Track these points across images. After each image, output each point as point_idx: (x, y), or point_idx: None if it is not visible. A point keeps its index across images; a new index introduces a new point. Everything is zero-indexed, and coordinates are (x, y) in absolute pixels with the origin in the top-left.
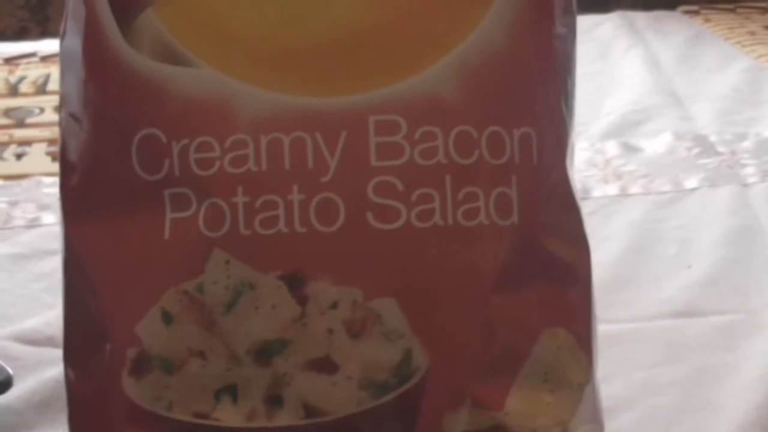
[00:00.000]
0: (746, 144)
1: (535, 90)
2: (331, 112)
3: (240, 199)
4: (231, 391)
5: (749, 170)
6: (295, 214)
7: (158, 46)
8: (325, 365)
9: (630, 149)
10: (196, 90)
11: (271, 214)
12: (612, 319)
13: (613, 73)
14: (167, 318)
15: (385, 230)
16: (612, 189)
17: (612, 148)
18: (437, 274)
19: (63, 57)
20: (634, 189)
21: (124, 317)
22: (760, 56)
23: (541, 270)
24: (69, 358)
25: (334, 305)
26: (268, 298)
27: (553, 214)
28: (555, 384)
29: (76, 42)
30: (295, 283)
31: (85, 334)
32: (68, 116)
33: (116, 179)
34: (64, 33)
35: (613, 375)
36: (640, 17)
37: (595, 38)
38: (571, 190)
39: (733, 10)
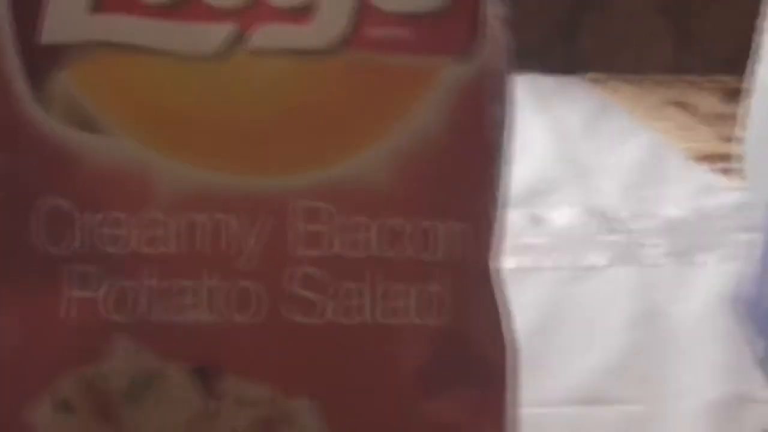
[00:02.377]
0: (648, 222)
1: (466, 183)
2: (253, 194)
3: (149, 281)
4: None
5: (652, 251)
6: (208, 301)
7: (71, 110)
8: None
9: (536, 221)
10: (110, 160)
11: (182, 300)
12: (521, 403)
13: (521, 139)
14: (63, 406)
15: (304, 324)
16: (518, 262)
17: (518, 218)
18: (357, 374)
19: None
20: (543, 263)
21: (11, 402)
22: (663, 132)
23: (466, 371)
24: None
25: (246, 403)
26: (173, 391)
27: (479, 312)
28: None
29: None
30: (205, 375)
31: None
32: None
33: (13, 248)
34: None
35: None
36: (547, 83)
37: None
38: (496, 287)
39: (639, 82)
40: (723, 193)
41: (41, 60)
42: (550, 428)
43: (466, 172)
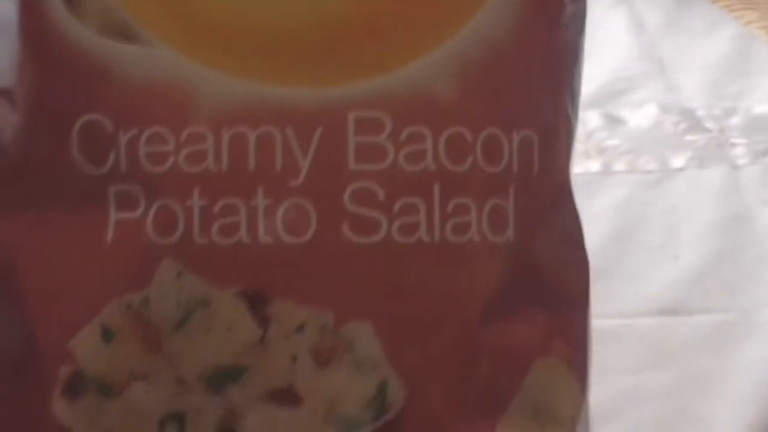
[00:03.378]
0: (736, 120)
1: (539, 88)
2: (306, 106)
3: (196, 201)
4: (178, 421)
5: (739, 150)
6: (259, 222)
7: (107, 19)
8: (288, 397)
9: (613, 121)
10: (150, 72)
11: (231, 220)
12: (594, 315)
13: (594, 35)
14: (107, 335)
15: (363, 244)
16: (594, 165)
17: (594, 119)
18: (420, 297)
19: None
20: (618, 166)
21: (56, 330)
22: (749, 22)
23: (534, 294)
24: None
25: (300, 329)
26: (223, 318)
27: (552, 231)
28: (545, 419)
29: (10, 5)
30: (256, 301)
31: (9, 348)
32: None
33: (52, 170)
34: None
35: (595, 380)
36: None
37: None
38: (573, 203)
39: None
40: None
41: None
42: (626, 342)
43: (537, 76)
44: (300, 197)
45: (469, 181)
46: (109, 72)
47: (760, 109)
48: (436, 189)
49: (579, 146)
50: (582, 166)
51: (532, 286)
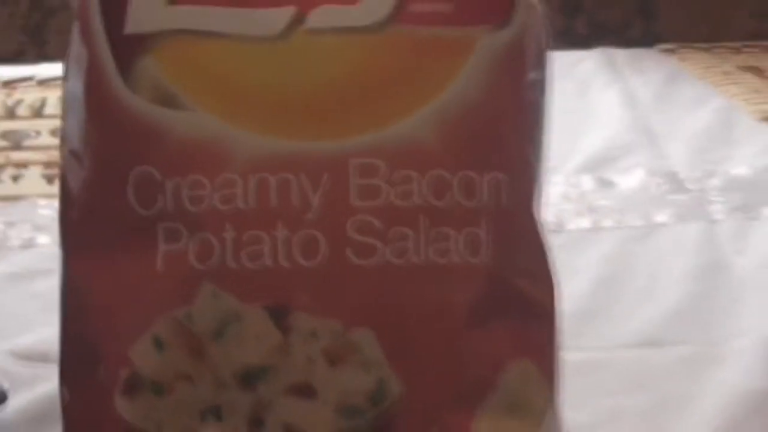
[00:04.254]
0: (715, 182)
1: (506, 138)
2: (315, 155)
3: (228, 234)
4: (216, 413)
5: (717, 207)
6: (279, 249)
7: (156, 90)
8: (305, 390)
9: (604, 184)
10: (190, 132)
11: (256, 248)
12: (581, 347)
13: (591, 109)
14: (158, 344)
15: (364, 265)
16: (585, 222)
17: (587, 182)
18: (412, 307)
19: (66, 98)
20: (607, 223)
21: (117, 341)
22: (733, 95)
23: (509, 306)
24: (64, 378)
25: (315, 335)
26: (252, 328)
27: (521, 254)
28: (518, 410)
29: (78, 85)
30: (278, 313)
31: (81, 356)
32: (69, 154)
33: (113, 214)
34: (67, 75)
35: (580, 402)
36: (620, 54)
37: (576, 74)
38: (539, 232)
39: (707, 50)
40: None
41: (128, 48)
42: (610, 371)
43: (506, 128)
44: (312, 228)
45: (448, 213)
46: (157, 132)
47: (737, 171)
48: (422, 220)
49: (572, 206)
50: (575, 224)
51: (506, 299)
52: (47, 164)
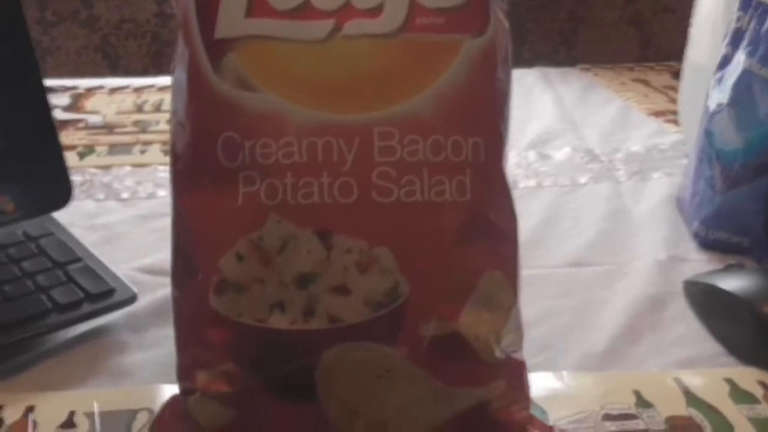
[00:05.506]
0: (619, 155)
1: (484, 113)
2: (349, 124)
3: (288, 180)
4: (280, 306)
5: (621, 173)
6: (324, 190)
7: (237, 78)
8: (343, 290)
9: (543, 156)
10: (261, 107)
11: (308, 190)
12: (530, 266)
13: (533, 107)
14: (239, 257)
15: (383, 203)
16: (531, 182)
17: (531, 155)
18: (416, 231)
19: (173, 84)
20: (546, 183)
21: (211, 256)
22: (629, 98)
23: (484, 231)
24: (175, 282)
25: (349, 251)
26: (305, 245)
27: (494, 195)
28: (491, 306)
29: (182, 75)
30: (323, 235)
31: (186, 267)
32: (177, 124)
33: (207, 166)
34: (174, 68)
35: (530, 303)
36: (552, 72)
37: (523, 84)
38: (506, 180)
39: (611, 68)
40: (668, 135)
41: (217, 48)
42: (550, 282)
43: (483, 107)
44: (347, 176)
45: (443, 166)
46: (238, 108)
47: (634, 148)
48: (425, 171)
49: (522, 171)
50: (524, 183)
51: (482, 226)
52: (164, 142)
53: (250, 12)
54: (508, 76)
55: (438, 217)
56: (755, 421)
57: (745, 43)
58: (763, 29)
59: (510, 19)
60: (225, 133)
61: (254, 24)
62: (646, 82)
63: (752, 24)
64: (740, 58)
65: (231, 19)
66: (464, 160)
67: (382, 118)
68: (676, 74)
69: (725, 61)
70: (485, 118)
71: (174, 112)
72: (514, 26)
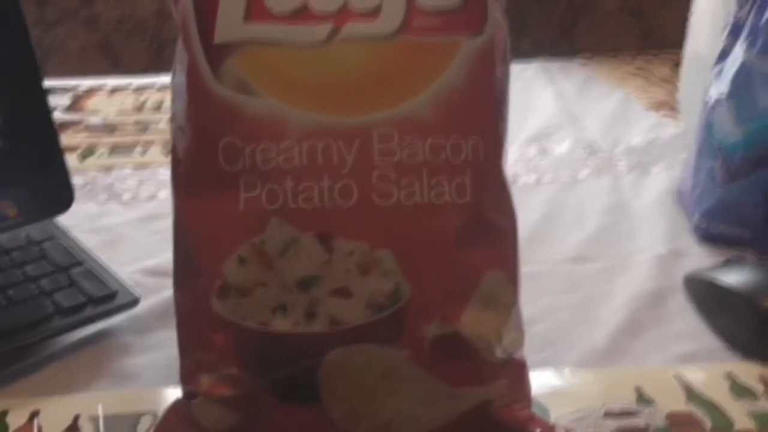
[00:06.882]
0: (619, 149)
1: (482, 114)
2: (349, 127)
3: (288, 184)
4: (283, 309)
5: (621, 166)
6: (324, 194)
7: (237, 82)
8: (344, 293)
9: (544, 151)
10: (261, 111)
11: (308, 193)
12: (530, 263)
13: (534, 101)
14: (241, 261)
15: (384, 205)
16: (531, 177)
17: (532, 150)
18: (417, 233)
19: (173, 89)
20: (546, 178)
21: (213, 259)
22: (628, 92)
23: (484, 231)
24: (177, 286)
25: (351, 254)
26: (306, 249)
27: (493, 195)
28: (493, 305)
29: (181, 79)
30: (324, 238)
31: (188, 270)
32: (177, 128)
33: (208, 170)
34: (174, 73)
35: (531, 300)
36: (552, 65)
37: (523, 78)
38: (505, 179)
39: (611, 60)
40: (668, 128)
41: (216, 53)
42: (551, 278)
43: (482, 107)
44: (347, 179)
45: (443, 168)
46: (238, 112)
47: (634, 141)
48: (424, 172)
49: (523, 166)
50: (525, 178)
51: (482, 226)
52: (165, 143)
53: (249, 17)
54: (506, 74)
55: (438, 218)
56: (755, 416)
57: (744, 35)
58: (762, 21)
59: (509, 11)
60: (225, 138)
61: (253, 28)
62: (646, 74)
63: (751, 16)
64: (739, 51)
65: (230, 24)
66: (464, 160)
67: (382, 120)
68: (677, 64)
69: (724, 54)
70: (484, 118)
71: (174, 117)
72: (513, 18)
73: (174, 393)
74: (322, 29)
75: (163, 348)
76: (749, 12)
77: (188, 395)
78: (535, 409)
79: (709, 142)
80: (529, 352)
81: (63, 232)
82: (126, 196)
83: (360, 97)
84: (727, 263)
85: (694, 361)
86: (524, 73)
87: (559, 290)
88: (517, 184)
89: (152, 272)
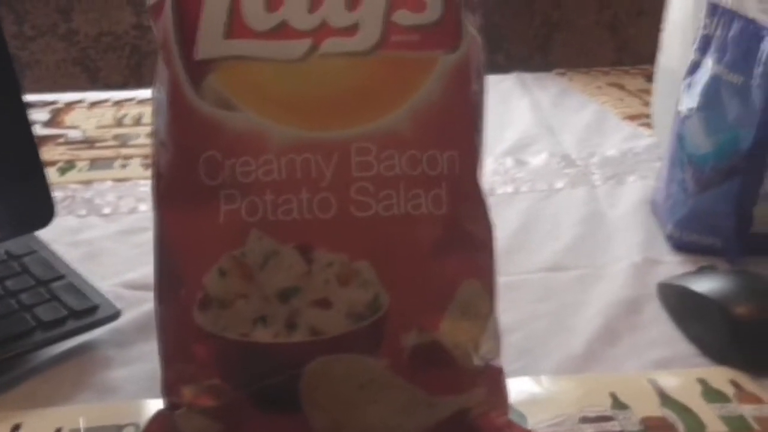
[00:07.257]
0: (594, 160)
1: (458, 127)
2: (327, 141)
3: (268, 197)
4: (263, 320)
5: (596, 177)
6: (303, 206)
7: (217, 98)
8: (324, 303)
9: (520, 162)
10: (241, 126)
11: (288, 206)
12: (508, 273)
13: (510, 113)
14: (222, 273)
15: (362, 217)
16: (509, 188)
17: (509, 161)
18: (395, 244)
19: (154, 104)
20: (523, 188)
21: (194, 272)
22: (604, 102)
23: (461, 242)
24: (158, 298)
25: (330, 265)
26: (286, 261)
27: (469, 207)
28: (470, 315)
29: (162, 95)
30: (304, 250)
31: (169, 283)
32: (158, 143)
33: (189, 184)
34: (155, 88)
35: (509, 308)
36: (528, 77)
37: (500, 90)
38: (481, 191)
39: (586, 73)
40: (642, 138)
41: (197, 69)
42: (528, 287)
43: (458, 121)
44: (326, 192)
45: (420, 180)
46: (218, 127)
47: (609, 152)
48: (402, 185)
49: (500, 177)
50: (502, 189)
51: (458, 237)
52: (145, 156)
53: (229, 33)
54: (481, 88)
55: (415, 229)
56: (726, 420)
57: (713, 49)
58: (730, 35)
59: (485, 26)
60: (206, 153)
61: (233, 45)
62: (621, 86)
63: (719, 30)
64: (709, 64)
65: (211, 41)
66: (440, 173)
67: (360, 135)
68: (651, 77)
69: (694, 67)
70: (460, 132)
71: (155, 132)
72: (489, 33)
73: (156, 405)
74: (302, 45)
75: (144, 361)
76: (717, 26)
77: (171, 406)
78: (513, 417)
79: (680, 154)
80: (506, 360)
81: (43, 246)
82: (106, 210)
83: (339, 112)
84: (700, 271)
85: (668, 366)
86: (501, 84)
87: (535, 299)
88: (495, 195)
89: (133, 285)
